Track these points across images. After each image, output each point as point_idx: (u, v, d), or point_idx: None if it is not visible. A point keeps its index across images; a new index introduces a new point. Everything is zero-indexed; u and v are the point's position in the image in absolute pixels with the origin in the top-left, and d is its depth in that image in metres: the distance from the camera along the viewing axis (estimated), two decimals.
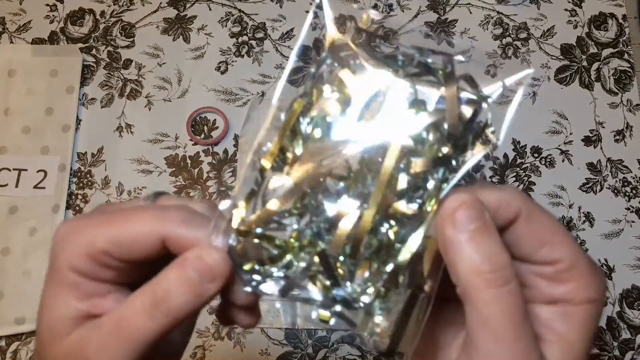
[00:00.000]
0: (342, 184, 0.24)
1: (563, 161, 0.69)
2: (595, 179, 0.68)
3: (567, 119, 0.70)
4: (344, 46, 0.25)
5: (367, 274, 0.24)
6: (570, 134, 0.70)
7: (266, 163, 0.24)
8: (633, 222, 0.67)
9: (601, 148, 0.69)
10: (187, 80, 0.71)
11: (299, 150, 0.24)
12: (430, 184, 0.24)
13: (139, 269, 0.25)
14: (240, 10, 0.74)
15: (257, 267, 0.24)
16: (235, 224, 0.24)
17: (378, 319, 0.24)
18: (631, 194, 0.68)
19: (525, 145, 0.69)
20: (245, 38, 0.73)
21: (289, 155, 0.24)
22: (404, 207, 0.23)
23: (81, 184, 0.67)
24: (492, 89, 0.25)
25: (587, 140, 0.70)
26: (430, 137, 0.24)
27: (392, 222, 0.24)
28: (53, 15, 0.74)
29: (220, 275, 0.23)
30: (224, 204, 0.24)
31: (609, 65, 0.73)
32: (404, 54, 0.25)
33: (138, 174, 0.68)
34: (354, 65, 0.25)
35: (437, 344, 0.27)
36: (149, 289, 0.23)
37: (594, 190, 0.68)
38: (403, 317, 0.23)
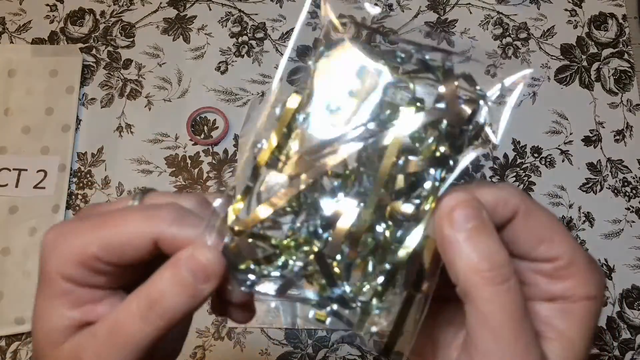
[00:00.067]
0: (338, 182, 0.24)
1: (563, 161, 0.69)
2: (595, 179, 0.68)
3: (567, 119, 0.70)
4: (342, 42, 0.25)
5: (364, 273, 0.24)
6: (570, 134, 0.70)
7: (261, 160, 0.24)
8: (633, 222, 0.67)
9: (601, 148, 0.69)
10: (187, 80, 0.71)
11: (294, 146, 0.24)
12: (428, 183, 0.23)
13: (132, 272, 0.25)
14: (240, 10, 0.74)
15: (252, 266, 0.24)
16: (229, 222, 0.23)
17: (375, 318, 0.23)
18: (631, 194, 0.68)
19: (525, 145, 0.69)
20: (245, 38, 0.73)
21: (285, 152, 0.24)
22: (401, 206, 0.23)
23: (81, 184, 0.67)
24: (492, 89, 0.25)
25: (587, 140, 0.70)
26: (429, 135, 0.24)
27: (390, 222, 0.24)
28: (53, 15, 0.74)
29: (215, 274, 0.23)
30: (217, 202, 0.24)
31: (609, 65, 0.73)
32: (403, 50, 0.25)
33: (138, 174, 0.68)
34: (351, 60, 0.24)
35: (437, 344, 0.27)
36: (142, 292, 0.23)
37: (594, 190, 0.68)
38: (400, 317, 0.23)
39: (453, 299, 0.25)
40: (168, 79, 0.71)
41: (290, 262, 0.24)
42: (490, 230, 0.22)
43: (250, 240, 0.24)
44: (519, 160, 0.69)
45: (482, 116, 0.24)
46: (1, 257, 0.64)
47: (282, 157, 0.24)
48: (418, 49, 0.25)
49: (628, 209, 0.67)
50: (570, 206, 0.67)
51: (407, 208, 0.23)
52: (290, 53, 0.26)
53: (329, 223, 0.23)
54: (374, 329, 0.24)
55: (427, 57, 0.25)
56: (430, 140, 0.24)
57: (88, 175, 0.68)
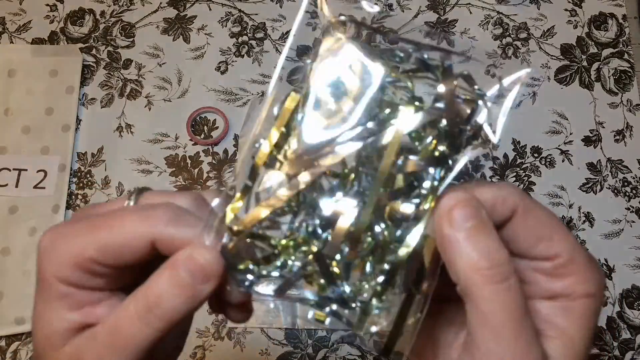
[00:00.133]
0: (337, 182, 0.24)
1: (563, 161, 0.69)
2: (595, 179, 0.68)
3: (567, 119, 0.70)
4: (341, 42, 0.25)
5: (363, 273, 0.24)
6: (570, 134, 0.70)
7: (260, 159, 0.24)
8: (633, 222, 0.67)
9: (601, 148, 0.69)
10: (187, 80, 0.71)
11: (293, 146, 0.24)
12: (427, 183, 0.23)
13: (131, 273, 0.25)
14: (240, 10, 0.74)
15: (250, 266, 0.24)
16: (228, 221, 0.23)
17: (375, 318, 0.23)
18: (631, 194, 0.68)
19: (525, 145, 0.69)
20: (245, 38, 0.73)
21: (283, 151, 0.24)
22: (400, 205, 0.23)
23: (81, 184, 0.67)
24: (491, 88, 0.25)
25: (587, 140, 0.70)
26: (428, 134, 0.24)
27: (389, 221, 0.23)
28: (53, 15, 0.74)
29: (214, 275, 0.23)
30: (215, 201, 0.24)
31: (609, 65, 0.73)
32: (402, 49, 0.25)
33: (138, 174, 0.68)
34: (350, 59, 0.24)
35: (438, 345, 0.27)
36: (141, 294, 0.23)
37: (594, 190, 0.68)
38: (400, 316, 0.23)
39: (453, 299, 0.25)
40: (168, 79, 0.71)
41: (289, 262, 0.24)
42: (490, 229, 0.22)
43: (248, 240, 0.24)
44: (519, 160, 0.69)
45: (481, 116, 0.24)
46: (1, 257, 0.64)
47: (281, 157, 0.24)
48: (417, 49, 0.25)
49: (628, 209, 0.67)
50: (570, 206, 0.67)
51: (406, 208, 0.23)
52: (289, 53, 0.26)
53: (328, 223, 0.23)
54: (373, 328, 0.23)
55: (426, 56, 0.25)
56: (430, 139, 0.24)
57: (88, 175, 0.68)
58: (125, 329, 0.22)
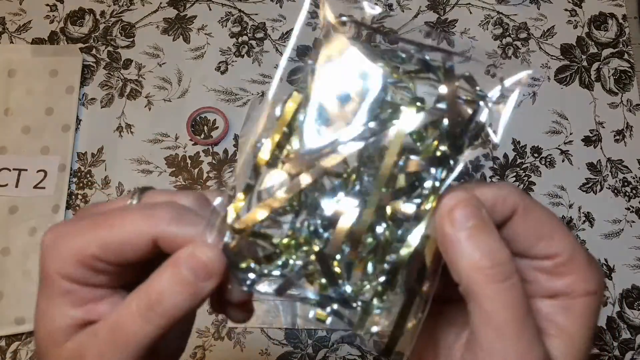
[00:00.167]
0: (339, 182, 0.24)
1: (563, 161, 0.69)
2: (595, 179, 0.68)
3: (567, 119, 0.70)
4: (342, 42, 0.25)
5: (364, 272, 0.24)
6: (570, 134, 0.70)
7: (262, 159, 0.24)
8: (633, 222, 0.67)
9: (601, 148, 0.69)
10: (187, 80, 0.71)
11: (295, 145, 0.24)
12: (429, 183, 0.23)
13: (133, 270, 0.25)
14: (240, 10, 0.74)
15: (252, 265, 0.24)
16: (230, 220, 0.23)
17: (376, 318, 0.23)
18: (631, 194, 0.68)
19: (525, 145, 0.69)
20: (245, 38, 0.73)
21: (286, 151, 0.24)
22: (402, 205, 0.23)
23: (81, 184, 0.67)
24: (492, 89, 0.25)
25: (587, 140, 0.70)
26: (429, 135, 0.24)
27: (390, 221, 0.24)
28: (53, 15, 0.74)
29: (216, 273, 0.23)
30: (217, 200, 0.24)
31: (609, 65, 0.73)
32: (403, 49, 0.25)
33: (138, 174, 0.68)
34: (352, 60, 0.24)
35: (439, 346, 0.27)
36: (143, 291, 0.23)
37: (594, 190, 0.68)
38: (401, 317, 0.23)
39: (454, 300, 0.25)
40: (168, 79, 0.71)
41: (291, 261, 0.24)
42: (491, 228, 0.23)
43: (250, 239, 0.24)
44: (519, 160, 0.69)
45: (483, 116, 0.24)
46: (1, 257, 0.64)
47: (283, 156, 0.24)
48: (419, 49, 0.25)
49: (628, 209, 0.67)
50: (570, 206, 0.67)
51: (407, 208, 0.23)
52: (290, 53, 0.26)
53: (330, 222, 0.23)
54: (374, 328, 0.24)
55: (427, 57, 0.25)
56: (431, 139, 0.24)
57: (88, 175, 0.68)
58: (126, 325, 0.22)
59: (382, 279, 0.24)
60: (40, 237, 0.65)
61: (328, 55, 0.25)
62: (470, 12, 0.75)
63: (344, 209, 0.23)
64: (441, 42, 0.26)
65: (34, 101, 0.69)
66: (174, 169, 0.68)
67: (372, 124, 0.24)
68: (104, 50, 0.73)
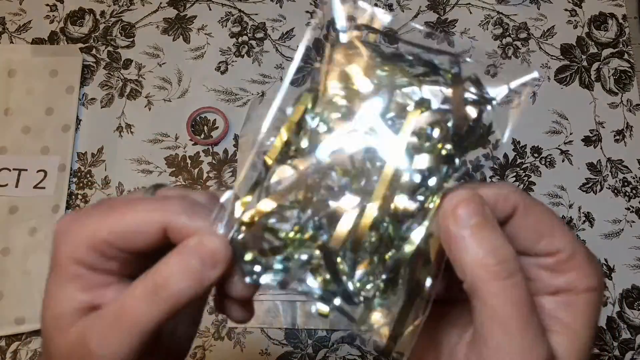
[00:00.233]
0: (345, 179, 0.24)
1: (563, 161, 0.69)
2: (595, 179, 0.68)
3: (567, 119, 0.70)
4: (352, 44, 0.25)
5: (367, 269, 0.24)
6: (570, 134, 0.70)
7: (271, 155, 0.25)
8: (633, 222, 0.67)
9: (601, 148, 0.69)
10: (187, 80, 0.71)
11: (304, 144, 0.25)
12: (433, 180, 0.24)
13: (140, 261, 0.25)
14: (240, 10, 0.74)
15: (258, 258, 0.24)
16: (237, 213, 0.24)
17: (377, 315, 0.24)
18: (631, 194, 0.68)
19: (525, 145, 0.69)
20: (245, 38, 0.73)
21: (294, 148, 0.25)
22: (406, 203, 0.24)
23: (81, 184, 0.67)
24: (496, 91, 0.26)
25: (587, 140, 0.70)
26: (435, 135, 0.24)
27: (394, 218, 0.24)
28: (53, 15, 0.74)
29: (222, 261, 0.23)
30: (225, 195, 0.24)
31: (609, 65, 0.73)
32: (411, 53, 0.26)
33: (138, 174, 0.68)
34: (361, 62, 0.25)
35: (441, 347, 0.27)
36: (149, 276, 0.23)
37: (594, 190, 0.68)
38: (402, 314, 0.23)
39: (457, 302, 0.26)
40: (168, 79, 0.71)
41: (296, 255, 0.24)
42: (494, 225, 0.23)
43: (257, 232, 0.24)
44: (519, 160, 0.69)
45: (488, 118, 0.25)
46: (1, 257, 0.64)
47: (291, 154, 0.25)
48: (425, 52, 0.26)
49: (628, 209, 0.67)
50: (570, 206, 0.67)
51: (411, 205, 0.24)
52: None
53: (335, 218, 0.24)
54: (376, 325, 0.24)
55: (435, 60, 0.26)
56: (437, 139, 0.24)
57: (88, 175, 0.68)
58: (131, 309, 0.23)
59: (384, 276, 0.24)
60: (40, 237, 0.66)
61: (338, 57, 0.25)
62: (470, 12, 0.75)
63: (348, 205, 0.24)
64: (441, 42, 0.27)
65: (34, 101, 0.69)
66: (174, 169, 0.68)
67: (378, 124, 0.24)
68: (104, 50, 0.73)
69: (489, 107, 0.25)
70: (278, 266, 0.24)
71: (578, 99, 0.71)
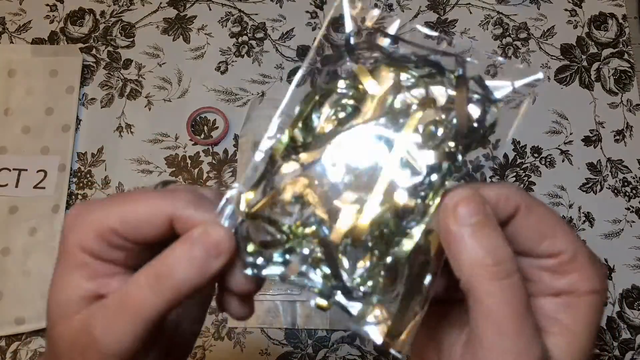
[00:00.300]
0: (347, 175, 0.25)
1: (563, 161, 0.69)
2: (595, 179, 0.68)
3: (567, 119, 0.70)
4: (360, 44, 0.26)
5: (367, 264, 0.24)
6: (570, 134, 0.70)
7: (277, 151, 0.25)
8: (633, 222, 0.67)
9: (601, 148, 0.69)
10: (187, 80, 0.71)
11: (309, 140, 0.25)
12: (434, 177, 0.24)
13: (146, 253, 0.25)
14: (240, 10, 0.74)
15: (260, 250, 0.25)
16: (242, 206, 0.25)
17: (376, 311, 0.24)
18: (631, 194, 0.68)
19: (525, 145, 0.69)
20: (245, 38, 0.73)
21: (299, 144, 0.25)
22: (406, 200, 0.24)
23: (81, 184, 0.67)
24: (500, 91, 0.26)
25: (587, 140, 0.70)
26: (438, 133, 0.25)
27: (395, 215, 0.24)
28: (53, 15, 0.74)
29: (225, 251, 0.23)
30: (231, 190, 0.25)
31: (609, 65, 0.73)
32: (416, 54, 0.26)
33: (138, 174, 0.68)
34: (367, 62, 0.26)
35: (441, 347, 0.27)
36: (153, 265, 0.24)
37: (594, 190, 0.68)
38: (401, 311, 0.24)
39: (457, 301, 0.25)
40: (168, 79, 0.71)
41: (297, 249, 0.25)
42: (494, 225, 0.23)
43: (260, 225, 0.25)
44: (519, 160, 0.69)
45: (491, 118, 0.25)
46: (1, 257, 0.64)
47: (296, 150, 0.25)
48: (431, 52, 0.26)
49: (628, 209, 0.67)
50: (570, 206, 0.67)
51: (412, 201, 0.24)
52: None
53: (337, 213, 0.24)
54: (374, 321, 0.24)
55: (440, 61, 0.26)
56: (440, 137, 0.25)
57: (88, 175, 0.68)
58: (135, 297, 0.23)
59: (384, 271, 0.24)
60: (40, 237, 0.66)
61: (347, 55, 0.26)
62: (470, 12, 0.75)
63: (350, 200, 0.24)
64: (441, 42, 0.27)
65: (34, 101, 0.69)
66: (174, 169, 0.68)
67: (383, 121, 0.25)
68: (104, 50, 0.73)
69: (492, 108, 0.25)
70: (279, 259, 0.25)
71: (578, 99, 0.71)
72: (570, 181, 0.68)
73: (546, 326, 0.24)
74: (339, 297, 0.24)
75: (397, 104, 0.25)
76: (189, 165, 0.68)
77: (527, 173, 0.68)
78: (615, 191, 0.68)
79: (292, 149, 0.25)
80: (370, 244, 0.24)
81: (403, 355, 0.24)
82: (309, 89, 0.26)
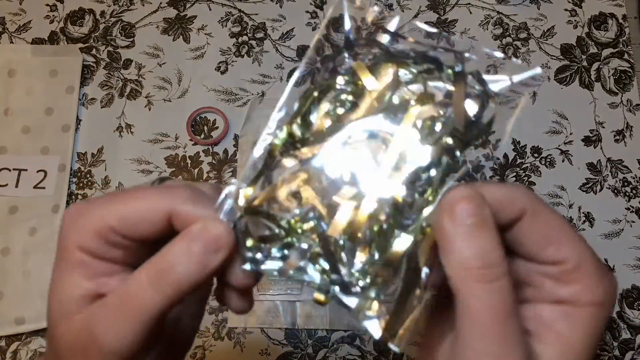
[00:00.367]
0: (345, 169, 0.25)
1: (563, 161, 0.69)
2: (595, 179, 0.68)
3: (567, 119, 0.70)
4: (359, 40, 0.26)
5: (365, 259, 0.24)
6: (570, 134, 0.70)
7: (275, 147, 0.25)
8: (633, 222, 0.67)
9: (601, 148, 0.69)
10: (187, 80, 0.71)
11: (308, 137, 0.25)
12: (434, 172, 0.24)
13: (144, 251, 0.25)
14: (240, 10, 0.74)
15: (259, 245, 0.25)
16: (241, 202, 0.25)
17: (374, 305, 0.24)
18: (631, 194, 0.68)
19: (525, 145, 0.69)
20: (245, 38, 0.73)
21: (298, 141, 0.25)
22: (405, 195, 0.24)
23: (81, 184, 0.67)
24: (501, 88, 0.26)
25: (587, 140, 0.70)
26: (437, 129, 0.25)
27: (394, 210, 0.24)
28: (53, 15, 0.74)
29: (225, 246, 0.24)
30: (229, 186, 0.25)
31: (609, 65, 0.73)
32: (415, 50, 0.26)
33: (138, 174, 0.68)
34: (366, 58, 0.26)
35: (438, 341, 0.27)
36: (153, 262, 0.24)
37: (594, 190, 0.68)
38: (399, 305, 0.24)
39: (453, 296, 0.25)
40: (168, 79, 0.71)
41: (296, 243, 0.25)
42: (489, 228, 0.22)
43: (259, 220, 0.25)
44: (519, 160, 0.69)
45: (490, 114, 0.25)
46: (1, 257, 0.64)
47: (295, 146, 0.25)
48: (430, 49, 0.26)
49: (628, 209, 0.67)
50: (570, 206, 0.67)
51: (411, 198, 0.24)
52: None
53: (335, 208, 0.24)
54: (372, 316, 0.24)
55: (439, 57, 0.26)
56: (439, 134, 0.25)
57: (88, 175, 0.68)
58: (135, 294, 0.23)
59: (382, 266, 0.24)
60: (40, 237, 0.66)
61: (345, 52, 0.26)
62: (470, 12, 0.75)
63: (348, 195, 0.24)
64: (441, 41, 0.27)
65: (34, 101, 0.69)
66: (174, 169, 0.68)
67: (382, 117, 0.25)
68: (104, 50, 0.73)
69: (491, 103, 0.25)
70: (278, 254, 0.25)
71: (578, 99, 0.71)
72: (570, 181, 0.68)
73: (542, 333, 0.24)
74: (337, 291, 0.24)
75: (396, 100, 0.25)
76: (189, 165, 0.68)
77: (527, 173, 0.68)
78: (615, 191, 0.68)
79: (291, 145, 0.25)
80: (368, 239, 0.24)
81: (401, 350, 0.24)
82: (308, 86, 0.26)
